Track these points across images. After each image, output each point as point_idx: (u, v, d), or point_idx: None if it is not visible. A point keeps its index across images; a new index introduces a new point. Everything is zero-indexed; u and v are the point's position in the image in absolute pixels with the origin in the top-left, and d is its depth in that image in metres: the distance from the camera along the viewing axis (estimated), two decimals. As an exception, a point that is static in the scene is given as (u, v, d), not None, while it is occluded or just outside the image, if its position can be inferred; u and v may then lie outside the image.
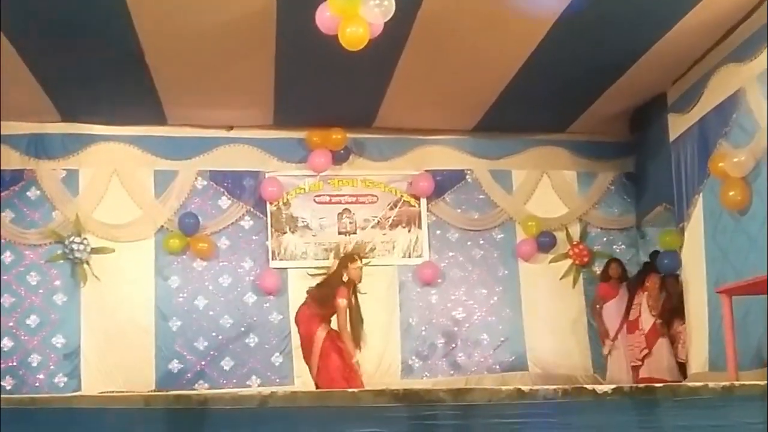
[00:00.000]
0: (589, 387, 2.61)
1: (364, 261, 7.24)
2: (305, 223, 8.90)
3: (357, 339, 6.72)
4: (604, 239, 9.38)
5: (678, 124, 8.03)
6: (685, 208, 7.84)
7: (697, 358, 7.51)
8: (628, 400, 2.57)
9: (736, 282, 6.36)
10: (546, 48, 7.03)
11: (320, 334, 6.69)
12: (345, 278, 6.82)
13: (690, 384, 2.66)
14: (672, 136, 8.15)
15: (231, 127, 8.88)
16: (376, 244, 8.90)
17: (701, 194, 7.54)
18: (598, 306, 8.74)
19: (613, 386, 2.61)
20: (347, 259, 7.07)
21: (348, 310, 6.72)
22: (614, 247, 9.36)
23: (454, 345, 8.91)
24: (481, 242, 9.20)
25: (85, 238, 8.33)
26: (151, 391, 7.86)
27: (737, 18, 6.71)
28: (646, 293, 8.27)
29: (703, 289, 7.42)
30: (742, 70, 6.79)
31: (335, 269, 7.07)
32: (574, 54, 7.18)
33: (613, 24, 6.68)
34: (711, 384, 2.58)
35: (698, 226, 7.59)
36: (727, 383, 2.61)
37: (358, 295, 6.91)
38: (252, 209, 8.86)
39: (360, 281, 6.90)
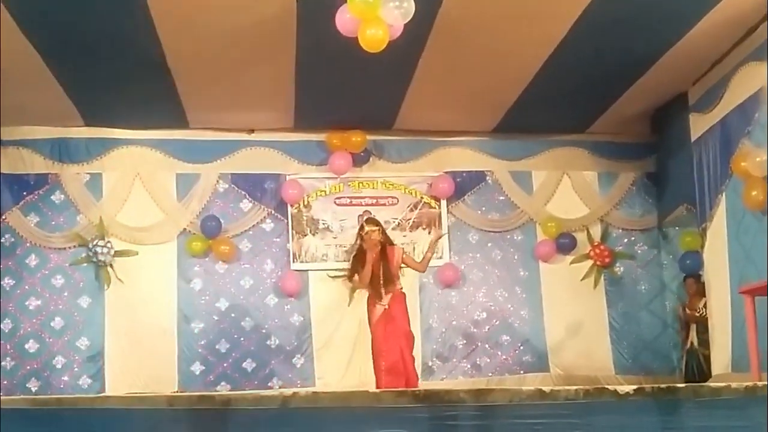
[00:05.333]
0: (611, 387, 2.60)
1: (372, 227, 7.04)
2: (326, 225, 8.92)
3: (377, 293, 6.85)
4: (626, 240, 9.32)
5: (699, 124, 7.98)
6: (707, 208, 7.79)
7: (720, 359, 7.46)
8: (650, 400, 2.56)
9: (758, 282, 6.31)
10: (566, 48, 7.01)
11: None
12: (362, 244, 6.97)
13: (713, 384, 2.65)
14: (693, 136, 8.10)
15: (252, 130, 8.92)
16: (396, 246, 8.91)
17: (724, 194, 7.48)
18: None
19: (635, 387, 2.61)
20: (360, 230, 7.15)
21: (376, 267, 6.86)
22: (636, 247, 9.31)
23: (474, 346, 8.89)
24: (502, 244, 9.18)
25: (108, 241, 8.40)
26: (174, 392, 7.91)
27: (758, 17, 6.66)
28: None
29: (726, 289, 7.36)
30: (764, 68, 6.72)
31: (354, 244, 7.20)
32: (594, 54, 7.16)
33: (634, 24, 6.64)
34: (734, 384, 2.57)
35: (721, 227, 7.54)
36: (750, 384, 2.59)
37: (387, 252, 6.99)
38: (273, 212, 8.89)
39: (378, 244, 6.92)
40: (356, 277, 7.00)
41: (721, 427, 2.52)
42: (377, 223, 7.18)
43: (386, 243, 7.04)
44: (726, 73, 7.40)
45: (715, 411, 2.52)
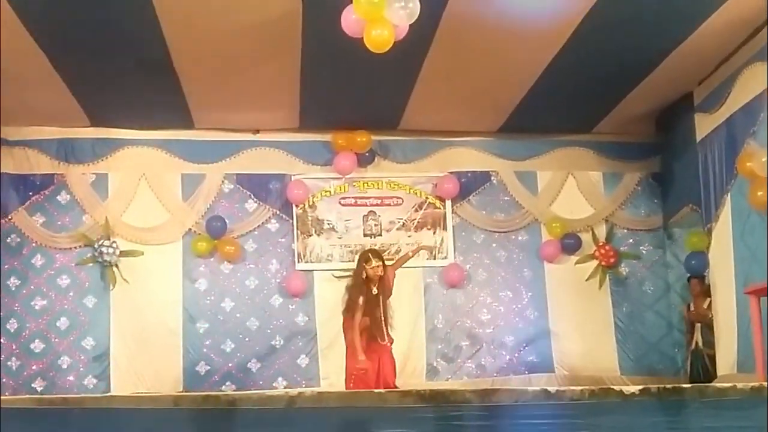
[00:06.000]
0: (616, 388, 2.61)
1: (377, 262, 6.87)
2: (331, 226, 8.93)
3: (380, 332, 6.73)
4: (631, 240, 9.31)
5: (705, 124, 7.96)
6: (712, 208, 7.78)
7: (725, 360, 7.44)
8: (656, 401, 2.56)
9: (764, 282, 6.30)
10: (571, 48, 7.00)
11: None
12: (364, 275, 6.83)
13: (718, 385, 2.64)
14: (699, 136, 8.09)
15: (257, 131, 8.93)
16: (401, 246, 8.90)
17: (729, 194, 7.47)
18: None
19: (640, 387, 2.60)
20: (362, 258, 7.01)
21: (371, 305, 6.73)
22: (641, 248, 9.29)
23: (479, 347, 8.89)
24: (506, 244, 9.18)
25: (114, 242, 8.42)
26: (179, 392, 7.92)
27: (764, 17, 6.64)
28: None
29: (732, 290, 7.35)
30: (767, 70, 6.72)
31: (355, 269, 7.07)
32: (599, 54, 7.15)
33: (639, 24, 6.64)
34: (739, 385, 2.57)
35: (726, 227, 7.52)
36: (755, 384, 2.59)
37: (384, 290, 6.86)
38: (278, 212, 8.90)
39: (378, 280, 6.82)
40: (356, 317, 6.71)
41: (726, 428, 2.52)
42: (381, 257, 7.05)
43: (384, 272, 6.88)
44: (731, 73, 7.39)
45: (721, 411, 2.51)
